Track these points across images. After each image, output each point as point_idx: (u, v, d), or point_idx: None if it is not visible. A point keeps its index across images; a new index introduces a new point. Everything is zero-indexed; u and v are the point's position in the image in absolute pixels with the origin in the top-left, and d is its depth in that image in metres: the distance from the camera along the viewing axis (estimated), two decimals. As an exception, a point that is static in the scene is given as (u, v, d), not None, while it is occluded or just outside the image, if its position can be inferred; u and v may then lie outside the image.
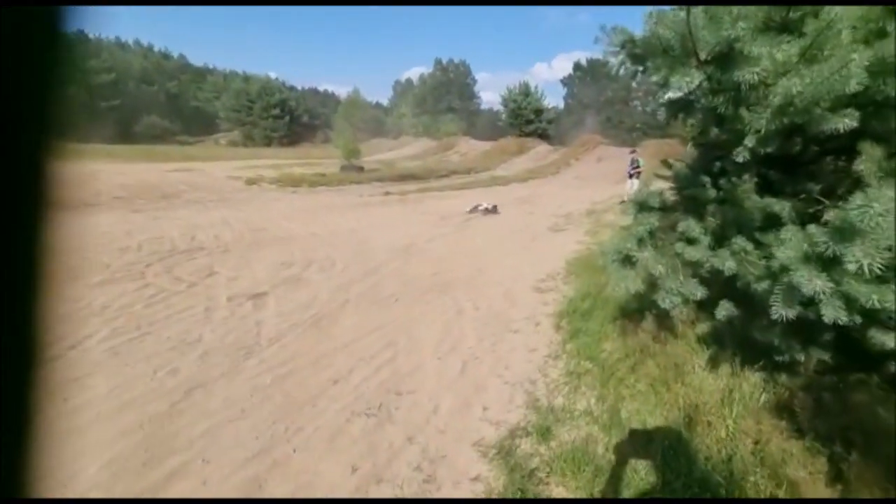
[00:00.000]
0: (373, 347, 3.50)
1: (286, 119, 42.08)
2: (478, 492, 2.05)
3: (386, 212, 10.58)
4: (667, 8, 4.63)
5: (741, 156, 2.02)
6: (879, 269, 1.28)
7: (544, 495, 2.03)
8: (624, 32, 4.31)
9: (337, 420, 2.59)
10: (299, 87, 57.61)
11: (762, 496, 1.92)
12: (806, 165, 2.59)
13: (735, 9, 1.57)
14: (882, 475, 1.80)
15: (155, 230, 7.40)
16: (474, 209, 10.36)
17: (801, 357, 2.21)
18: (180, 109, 46.14)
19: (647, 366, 2.95)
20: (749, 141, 1.97)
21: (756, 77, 1.66)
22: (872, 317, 1.60)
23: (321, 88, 68.54)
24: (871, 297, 1.41)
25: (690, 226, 2.57)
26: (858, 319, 1.55)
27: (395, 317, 4.11)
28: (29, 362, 0.34)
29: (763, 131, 1.93)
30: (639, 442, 2.30)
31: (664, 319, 3.47)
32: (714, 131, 3.21)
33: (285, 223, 8.67)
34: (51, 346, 0.35)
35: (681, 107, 2.31)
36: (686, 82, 1.67)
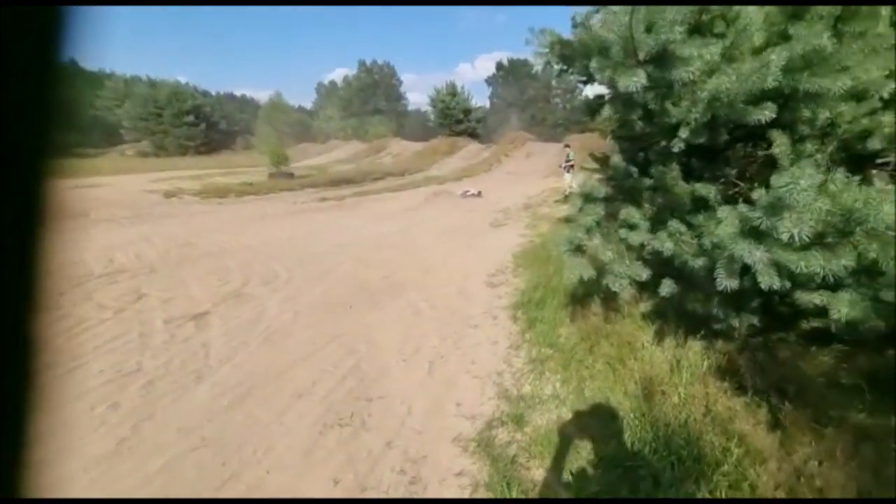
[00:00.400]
0: (333, 357, 3.41)
1: (202, 126, 39.15)
2: (464, 485, 2.09)
3: (324, 218, 10.26)
4: (583, 9, 4.90)
5: (677, 146, 2.23)
6: (807, 237, 1.49)
7: (527, 480, 2.10)
8: (552, 34, 4.55)
9: (309, 434, 2.50)
10: (213, 93, 54.06)
11: (716, 451, 2.13)
12: (721, 152, 2.90)
13: (671, 13, 1.74)
14: (811, 418, 2.09)
15: (63, 253, 6.60)
16: (464, 193, 13.34)
17: (737, 323, 2.48)
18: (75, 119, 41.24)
19: (602, 346, 3.15)
20: (683, 133, 2.17)
21: (690, 76, 1.85)
22: (796, 280, 1.84)
23: (238, 93, 64.74)
24: (799, 263, 1.63)
25: (631, 213, 2.78)
26: (788, 284, 1.78)
27: (351, 324, 4.02)
28: (26, 363, 0.35)
29: (693, 124, 2.14)
30: (605, 417, 2.46)
31: (610, 301, 3.72)
32: (639, 125, 3.49)
33: (216, 236, 8.11)
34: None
35: (624, 102, 2.48)
36: (634, 82, 1.82)
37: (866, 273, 1.74)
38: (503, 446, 2.32)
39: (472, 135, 34.90)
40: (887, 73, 1.86)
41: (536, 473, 2.14)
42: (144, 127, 37.16)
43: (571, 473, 2.08)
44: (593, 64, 2.09)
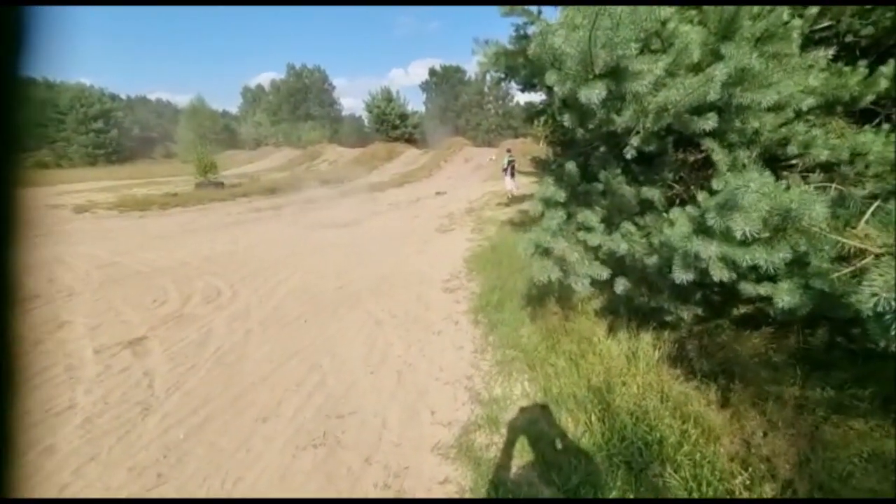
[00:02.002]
0: (296, 375, 3.27)
1: (113, 133, 35.81)
2: (451, 493, 2.10)
3: (263, 229, 9.78)
4: (519, 19, 5.06)
5: (629, 153, 2.40)
6: (755, 234, 1.68)
7: (511, 480, 2.15)
8: (497, 45, 4.69)
9: (281, 459, 2.38)
10: (124, 96, 49.44)
11: (676, 433, 2.32)
12: (658, 157, 3.16)
13: (625, 31, 1.88)
14: (754, 395, 2.33)
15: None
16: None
17: (685, 314, 2.72)
18: (-48, 125, 35.99)
19: (563, 343, 3.30)
20: (634, 140, 2.35)
21: (643, 88, 2.01)
22: (740, 273, 2.06)
23: (153, 97, 59.55)
24: (745, 257, 1.82)
25: (588, 216, 2.95)
26: (734, 276, 1.98)
27: (310, 339, 3.88)
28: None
29: (643, 133, 2.33)
30: (575, 412, 2.58)
31: (566, 300, 3.91)
32: (580, 131, 3.70)
33: (142, 253, 7.45)
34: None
35: (578, 111, 2.61)
36: (596, 94, 1.94)
37: (798, 264, 1.99)
38: (483, 449, 2.36)
39: (410, 140, 35.03)
40: (802, 88, 2.15)
41: (519, 473, 2.20)
42: (42, 134, 33.21)
43: (553, 469, 2.16)
44: (551, 76, 2.20)
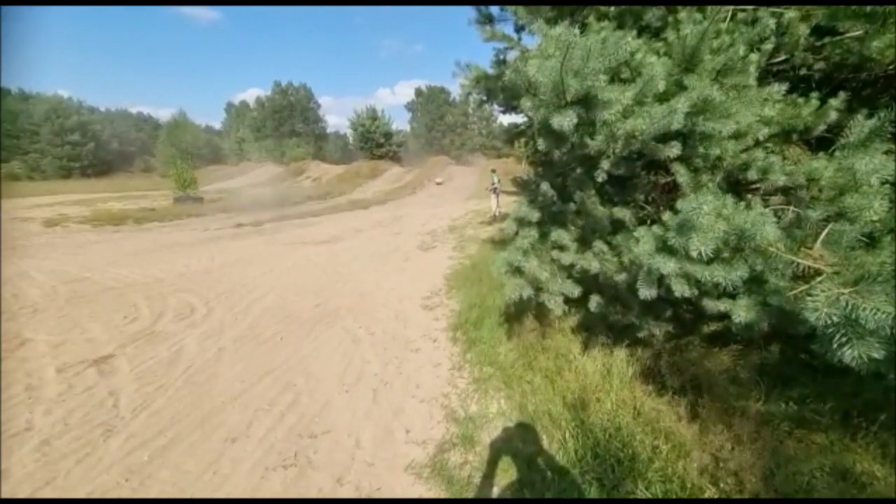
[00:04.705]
0: (268, 394, 3.21)
1: (90, 146, 35.07)
2: (423, 513, 2.07)
3: (242, 245, 9.63)
4: (501, 44, 5.20)
5: (600, 176, 2.49)
6: (710, 253, 1.76)
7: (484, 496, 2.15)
8: (477, 69, 4.82)
9: (249, 481, 2.32)
10: (104, 109, 48.58)
11: (648, 450, 2.35)
12: (630, 179, 3.27)
13: (594, 63, 1.98)
14: (722, 409, 2.39)
15: (-89, 297, 5.50)
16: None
17: (656, 330, 2.78)
18: (-81, 135, 34.83)
19: (539, 360, 3.33)
20: (605, 164, 2.45)
21: (612, 117, 2.11)
22: (702, 290, 2.14)
23: (134, 111, 58.64)
24: (705, 274, 1.90)
25: (561, 235, 3.02)
26: (696, 292, 2.06)
27: (285, 357, 3.82)
28: None
29: (613, 157, 2.43)
30: (550, 429, 2.59)
31: (543, 318, 3.95)
32: (557, 153, 3.82)
33: (114, 270, 7.25)
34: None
35: (553, 136, 2.70)
36: (567, 121, 2.03)
37: (755, 282, 2.08)
38: (457, 468, 2.35)
39: (394, 158, 35.30)
40: (758, 118, 2.28)
41: (492, 491, 2.20)
42: (15, 146, 32.35)
43: (525, 487, 2.16)
44: (525, 103, 2.29)
